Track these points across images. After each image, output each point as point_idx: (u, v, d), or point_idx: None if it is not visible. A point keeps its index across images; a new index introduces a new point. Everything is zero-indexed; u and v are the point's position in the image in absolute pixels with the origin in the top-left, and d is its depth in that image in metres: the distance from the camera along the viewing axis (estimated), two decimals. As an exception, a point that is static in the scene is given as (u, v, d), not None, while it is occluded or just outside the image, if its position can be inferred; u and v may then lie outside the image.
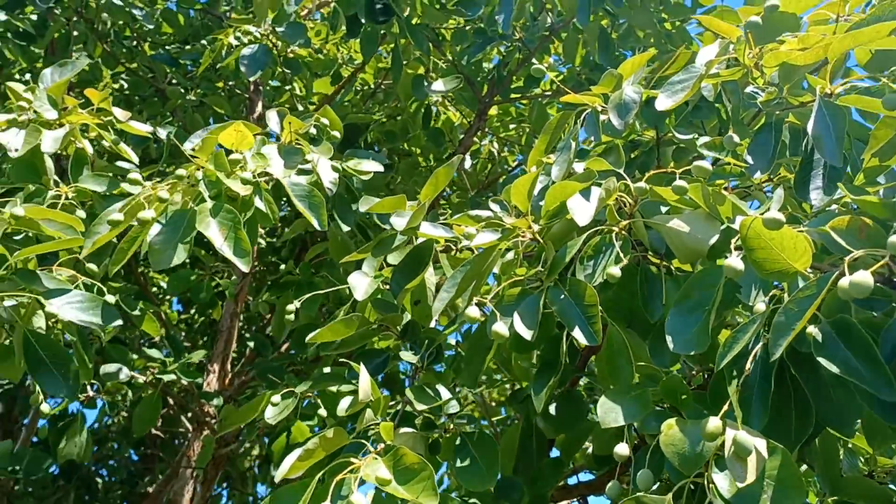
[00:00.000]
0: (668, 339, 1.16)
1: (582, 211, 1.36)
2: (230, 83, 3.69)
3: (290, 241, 3.41)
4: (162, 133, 2.96)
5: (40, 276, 1.76)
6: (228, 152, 2.04)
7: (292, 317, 2.24)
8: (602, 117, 1.75)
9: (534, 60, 3.06)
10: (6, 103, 2.29)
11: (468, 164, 3.66)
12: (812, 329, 1.07)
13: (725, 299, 1.20)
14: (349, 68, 3.53)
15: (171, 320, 3.91)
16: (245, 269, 1.63)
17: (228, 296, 3.11)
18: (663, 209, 1.45)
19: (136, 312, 2.56)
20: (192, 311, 4.50)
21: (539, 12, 2.68)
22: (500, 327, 1.33)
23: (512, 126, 3.82)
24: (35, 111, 2.17)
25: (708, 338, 1.14)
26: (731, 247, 1.22)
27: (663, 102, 1.46)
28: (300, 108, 3.82)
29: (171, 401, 3.20)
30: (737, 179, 1.51)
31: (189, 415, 3.32)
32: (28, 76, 3.35)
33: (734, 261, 1.13)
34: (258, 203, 1.82)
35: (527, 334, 1.33)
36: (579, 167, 1.73)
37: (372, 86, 3.73)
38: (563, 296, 1.34)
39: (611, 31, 2.74)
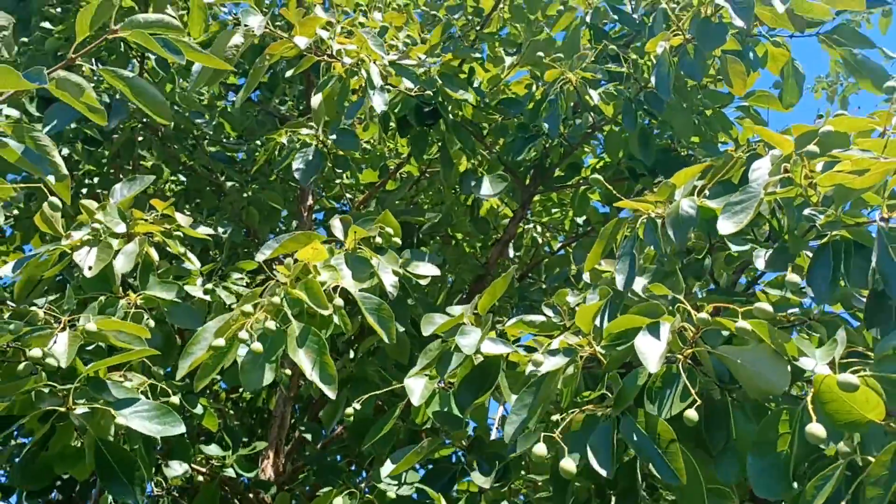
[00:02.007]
0: (751, 480, 1.20)
1: (651, 354, 1.41)
2: (282, 175, 3.86)
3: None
4: (220, 231, 3.11)
5: (110, 387, 1.85)
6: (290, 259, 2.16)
7: (352, 418, 2.30)
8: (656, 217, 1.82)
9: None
10: (79, 218, 2.43)
11: (512, 253, 3.75)
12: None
13: (801, 443, 1.24)
14: (394, 160, 3.68)
15: (227, 410, 3.98)
16: (332, 395, 1.70)
17: (283, 387, 3.18)
18: (724, 334, 1.50)
19: (199, 410, 2.64)
20: (241, 390, 4.57)
21: (582, 112, 2.79)
22: (569, 464, 1.36)
23: (554, 210, 3.91)
24: (106, 226, 2.31)
25: (790, 484, 1.18)
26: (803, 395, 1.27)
27: (726, 226, 1.53)
28: (348, 196, 3.97)
29: (226, 488, 3.24)
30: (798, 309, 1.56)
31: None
32: (96, 179, 3.54)
33: (817, 429, 1.19)
34: (336, 319, 1.91)
35: (603, 472, 1.36)
36: (639, 283, 1.79)
37: (416, 174, 3.86)
38: (636, 430, 1.38)
39: (651, 129, 2.83)
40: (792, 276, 1.51)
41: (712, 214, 1.67)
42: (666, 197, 1.78)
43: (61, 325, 1.75)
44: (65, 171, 1.95)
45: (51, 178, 1.90)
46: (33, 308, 1.84)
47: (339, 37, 2.68)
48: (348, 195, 4.00)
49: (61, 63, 2.04)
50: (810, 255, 1.61)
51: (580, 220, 3.81)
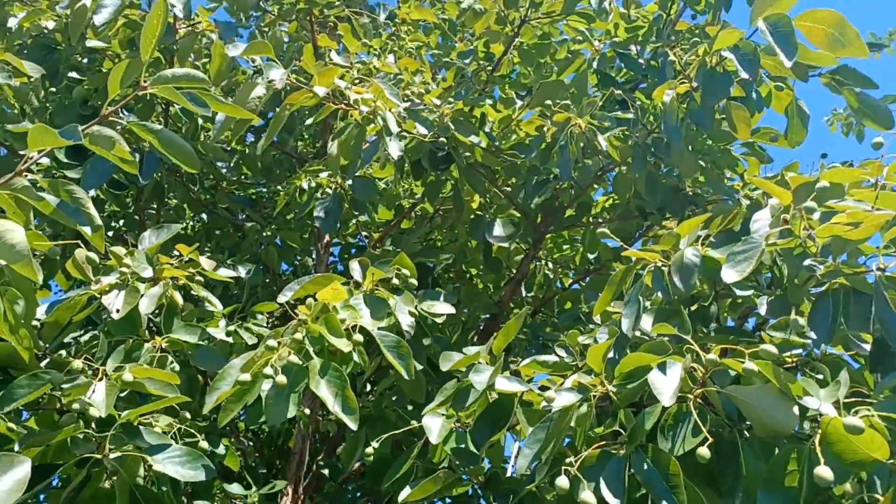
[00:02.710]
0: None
1: (665, 389, 1.47)
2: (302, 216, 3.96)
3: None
4: (241, 271, 3.20)
5: (143, 432, 1.93)
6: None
7: (371, 457, 2.36)
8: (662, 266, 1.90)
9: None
10: (107, 262, 2.54)
11: (525, 293, 3.82)
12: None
13: (810, 483, 1.31)
14: (409, 200, 3.78)
15: (247, 447, 4.05)
16: (353, 426, 1.78)
17: (302, 425, 3.25)
18: (731, 373, 1.57)
19: (221, 450, 2.71)
20: (262, 423, 4.63)
21: (591, 155, 2.87)
22: (589, 496, 1.43)
23: (565, 247, 3.99)
24: (134, 271, 2.42)
25: (801, 521, 1.24)
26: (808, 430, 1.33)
27: (729, 275, 1.60)
28: (364, 234, 4.07)
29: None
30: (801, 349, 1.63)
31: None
32: (121, 221, 3.66)
33: (825, 472, 1.25)
34: (355, 356, 1.99)
35: (614, 502, 1.43)
36: (646, 322, 1.87)
37: (431, 212, 3.95)
38: (646, 465, 1.45)
39: (658, 171, 2.91)
40: (795, 319, 1.58)
41: (716, 263, 1.74)
42: (671, 246, 1.85)
43: (99, 376, 1.83)
44: (99, 223, 2.05)
45: (87, 230, 2.01)
46: (71, 358, 1.93)
47: (357, 87, 2.78)
48: (364, 233, 4.11)
49: (95, 119, 2.15)
50: (812, 299, 1.68)
51: (591, 257, 3.88)
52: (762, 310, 1.75)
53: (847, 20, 2.07)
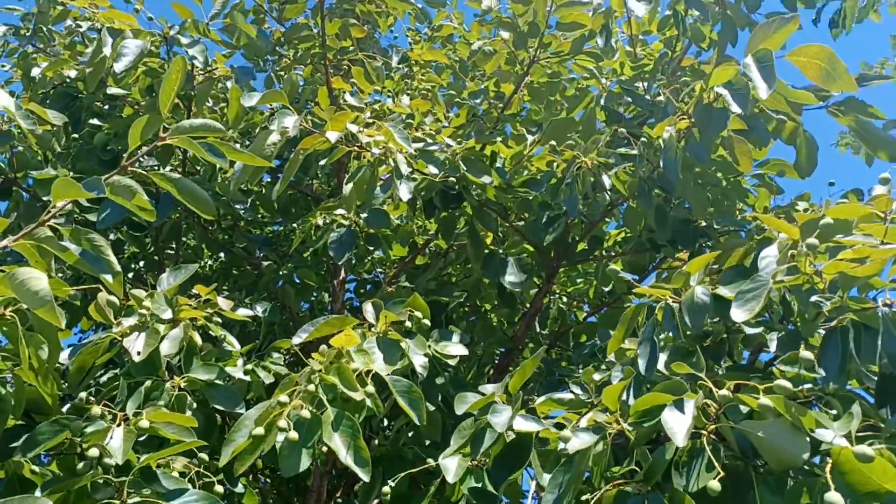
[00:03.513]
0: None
1: (678, 428, 1.48)
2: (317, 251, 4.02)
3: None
4: (258, 310, 3.25)
5: (160, 477, 1.96)
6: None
7: (388, 496, 2.37)
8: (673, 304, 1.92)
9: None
10: (128, 304, 2.59)
11: (539, 327, 3.84)
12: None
13: None
14: (422, 237, 3.82)
15: (265, 486, 4.06)
16: (366, 477, 1.79)
17: (320, 463, 3.26)
18: (744, 408, 1.58)
19: (239, 489, 2.73)
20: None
21: (599, 191, 2.91)
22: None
23: (579, 280, 4.00)
24: (153, 313, 2.47)
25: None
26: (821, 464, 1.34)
27: (738, 314, 1.62)
28: (379, 270, 4.12)
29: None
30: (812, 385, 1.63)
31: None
32: (141, 263, 3.73)
33: (836, 497, 1.25)
34: (368, 402, 2.02)
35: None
36: (661, 360, 1.88)
37: (444, 247, 4.00)
38: (663, 504, 1.45)
39: (667, 205, 2.94)
40: (805, 354, 1.59)
41: (726, 302, 1.75)
42: (681, 284, 1.87)
43: (117, 422, 1.87)
44: (118, 269, 2.10)
45: (108, 277, 2.06)
46: (92, 401, 1.97)
47: (368, 130, 2.85)
48: (379, 269, 4.15)
49: (115, 170, 2.21)
50: (822, 332, 1.69)
51: (605, 289, 3.89)
52: (772, 345, 1.76)
53: (836, 55, 2.12)
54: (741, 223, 3.20)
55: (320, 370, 2.10)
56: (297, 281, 3.97)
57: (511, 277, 3.07)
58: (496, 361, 3.72)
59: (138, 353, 2.37)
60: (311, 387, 1.98)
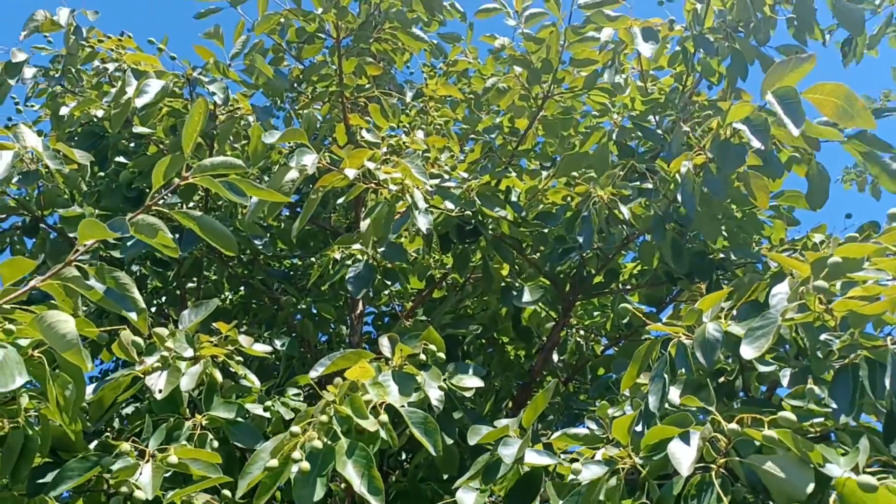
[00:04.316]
0: None
1: (684, 459, 1.51)
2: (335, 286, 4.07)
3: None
4: (277, 344, 3.29)
5: (184, 516, 2.00)
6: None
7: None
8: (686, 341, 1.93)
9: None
10: (150, 341, 2.65)
11: (557, 357, 3.85)
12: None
13: None
14: (439, 270, 3.86)
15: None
16: (379, 505, 1.81)
17: (339, 500, 3.28)
18: (756, 443, 1.58)
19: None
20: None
21: (615, 225, 2.94)
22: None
23: (595, 313, 4.01)
24: (175, 351, 2.52)
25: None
26: (825, 495, 1.34)
27: (747, 351, 1.63)
28: (396, 303, 4.15)
29: None
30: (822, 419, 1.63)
31: None
32: (163, 298, 3.81)
33: None
34: (382, 434, 2.04)
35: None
36: (673, 393, 1.89)
37: (461, 281, 4.03)
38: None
39: (683, 238, 2.96)
40: (811, 388, 1.60)
41: (738, 339, 1.77)
42: (694, 321, 1.89)
43: (145, 458, 1.91)
44: (143, 306, 2.16)
45: (132, 315, 2.12)
46: (119, 442, 2.01)
47: (385, 167, 2.91)
48: (397, 302, 4.19)
49: (140, 209, 2.28)
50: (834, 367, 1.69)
51: (622, 322, 3.90)
52: (785, 381, 1.77)
53: (854, 93, 2.13)
54: (757, 255, 3.21)
55: (334, 401, 2.13)
56: (315, 312, 4.02)
57: (526, 297, 3.10)
58: (514, 395, 3.73)
59: (160, 392, 2.42)
60: (325, 418, 2.02)
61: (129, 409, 3.40)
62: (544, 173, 3.56)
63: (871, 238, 2.89)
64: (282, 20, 3.97)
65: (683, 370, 1.86)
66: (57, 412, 1.81)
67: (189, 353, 2.57)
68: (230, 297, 4.15)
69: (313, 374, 2.40)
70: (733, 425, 1.57)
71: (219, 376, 2.60)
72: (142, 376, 2.46)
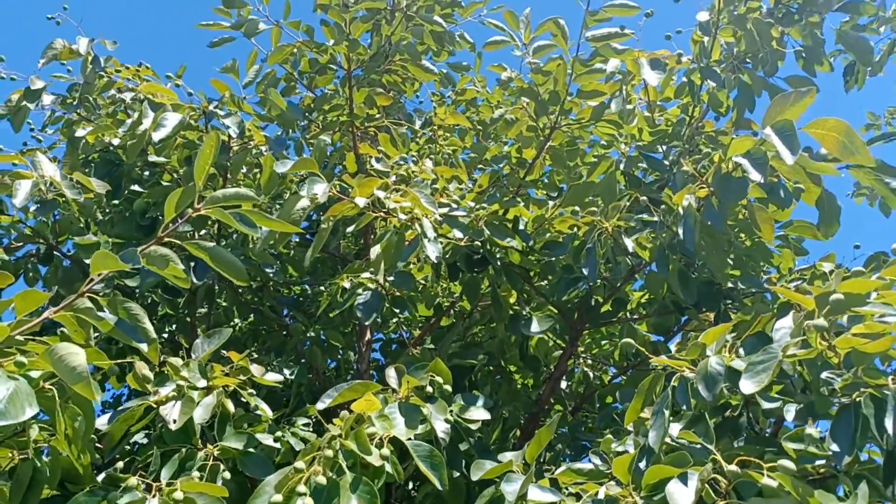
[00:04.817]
0: None
1: (682, 501, 1.51)
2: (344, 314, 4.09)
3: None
4: (286, 373, 3.31)
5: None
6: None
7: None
8: (690, 375, 1.94)
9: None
10: (162, 369, 2.67)
11: (564, 384, 3.84)
12: None
13: None
14: (447, 299, 3.88)
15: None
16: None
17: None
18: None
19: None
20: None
21: (621, 255, 2.95)
22: None
23: (603, 342, 4.01)
24: (189, 382, 2.54)
25: None
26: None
27: (747, 386, 1.64)
28: (404, 330, 4.17)
29: None
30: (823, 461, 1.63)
31: None
32: (174, 325, 3.84)
33: None
34: (388, 468, 2.05)
35: None
36: (675, 428, 1.89)
37: (469, 309, 4.04)
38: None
39: (689, 268, 2.97)
40: (811, 430, 1.59)
41: (739, 372, 1.77)
42: (698, 354, 1.90)
43: (152, 492, 1.93)
44: (153, 336, 2.19)
45: (143, 346, 2.15)
46: (127, 475, 2.03)
47: (395, 196, 2.94)
48: (405, 328, 4.21)
49: (152, 241, 2.32)
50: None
51: (630, 351, 3.89)
52: (789, 416, 1.76)
53: (853, 129, 2.16)
54: (765, 285, 3.21)
55: (339, 435, 2.14)
56: (324, 338, 4.03)
57: (534, 327, 3.11)
58: (522, 424, 3.72)
59: (174, 422, 2.45)
60: (330, 452, 2.03)
61: (139, 436, 3.42)
62: (551, 203, 3.58)
63: (883, 265, 2.89)
64: (294, 51, 4.04)
65: (685, 407, 1.86)
66: (66, 444, 1.84)
67: (202, 383, 2.59)
68: (239, 323, 4.19)
69: (320, 405, 2.42)
70: (733, 467, 1.57)
71: (231, 407, 2.62)
72: (155, 406, 2.48)
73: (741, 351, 1.97)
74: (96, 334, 2.49)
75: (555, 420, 2.08)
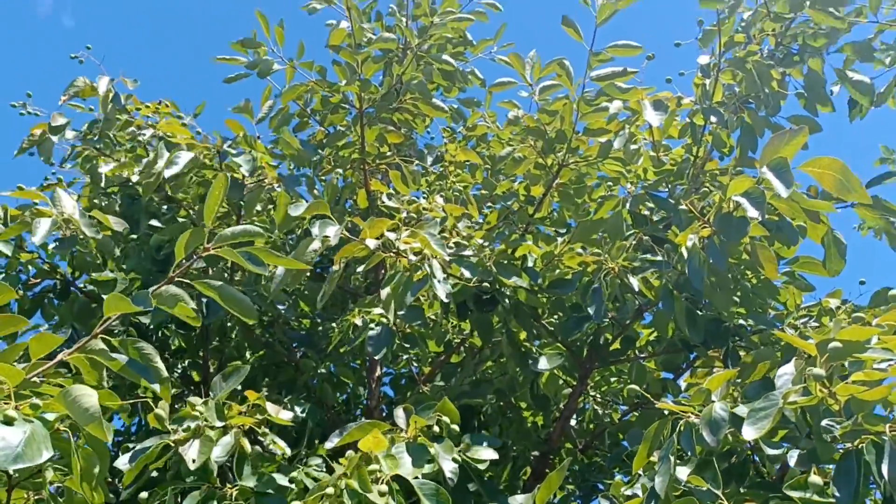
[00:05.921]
0: None
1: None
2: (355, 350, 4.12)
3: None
4: (298, 410, 3.34)
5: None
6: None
7: None
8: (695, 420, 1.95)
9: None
10: (182, 411, 2.71)
11: (574, 422, 3.84)
12: None
13: None
14: (458, 336, 3.91)
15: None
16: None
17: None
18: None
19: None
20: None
21: (628, 294, 2.98)
22: None
23: (612, 379, 4.01)
24: (207, 420, 2.58)
25: None
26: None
27: (749, 432, 1.65)
28: (414, 366, 4.19)
29: None
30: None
31: None
32: (187, 362, 3.89)
33: None
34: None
35: None
36: (683, 472, 1.90)
37: (479, 345, 4.07)
38: None
39: (696, 307, 2.98)
40: (814, 479, 1.60)
41: (742, 419, 1.78)
42: (702, 401, 1.91)
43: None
44: (165, 375, 2.23)
45: (155, 387, 2.19)
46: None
47: (404, 237, 2.98)
48: (415, 363, 4.23)
49: (163, 281, 2.37)
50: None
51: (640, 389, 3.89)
52: (792, 461, 1.77)
53: (849, 168, 2.21)
54: (772, 322, 3.21)
55: (345, 474, 2.16)
56: (333, 371, 4.06)
57: (542, 364, 3.13)
58: (532, 463, 3.71)
59: (193, 461, 2.48)
60: (331, 490, 2.05)
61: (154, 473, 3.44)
62: (559, 240, 3.62)
63: (887, 303, 2.89)
64: (307, 89, 4.14)
65: (689, 453, 1.87)
66: (80, 485, 1.88)
67: (220, 423, 2.62)
68: (250, 358, 4.23)
69: (329, 444, 2.45)
70: (740, 512, 1.58)
71: (248, 446, 2.64)
72: (172, 445, 2.51)
73: (745, 395, 1.99)
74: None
75: (565, 464, 2.10)
